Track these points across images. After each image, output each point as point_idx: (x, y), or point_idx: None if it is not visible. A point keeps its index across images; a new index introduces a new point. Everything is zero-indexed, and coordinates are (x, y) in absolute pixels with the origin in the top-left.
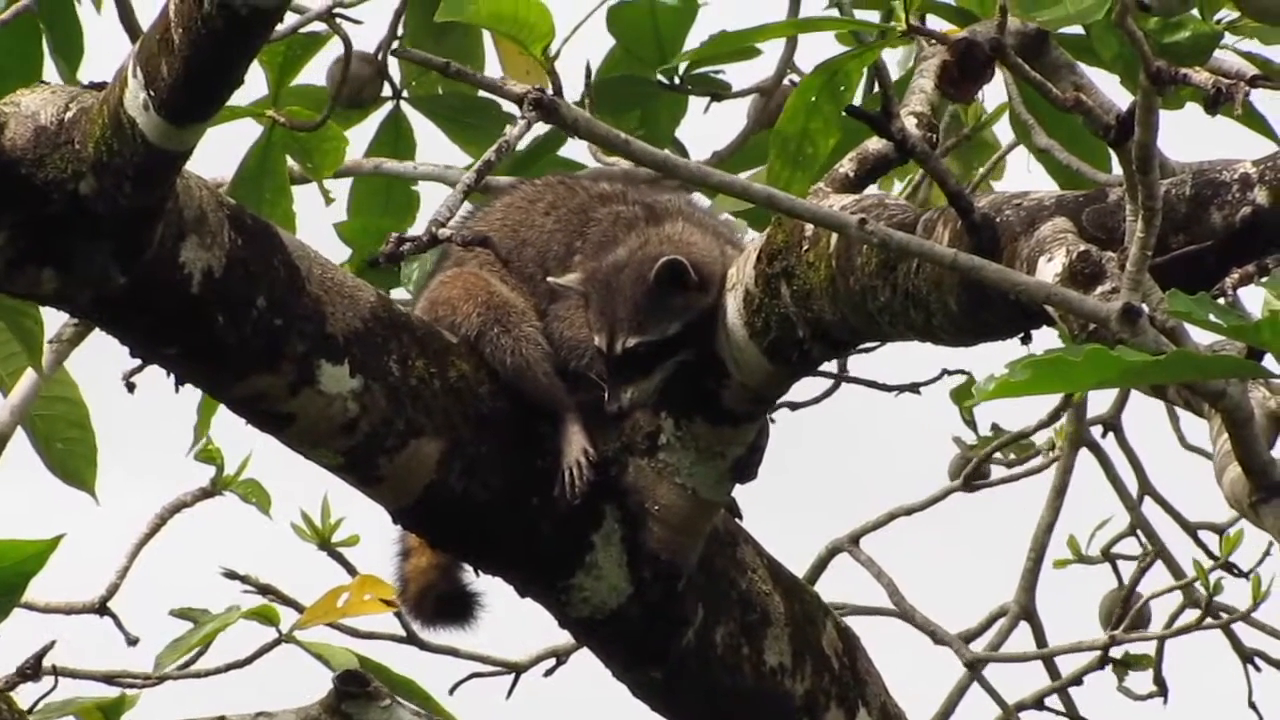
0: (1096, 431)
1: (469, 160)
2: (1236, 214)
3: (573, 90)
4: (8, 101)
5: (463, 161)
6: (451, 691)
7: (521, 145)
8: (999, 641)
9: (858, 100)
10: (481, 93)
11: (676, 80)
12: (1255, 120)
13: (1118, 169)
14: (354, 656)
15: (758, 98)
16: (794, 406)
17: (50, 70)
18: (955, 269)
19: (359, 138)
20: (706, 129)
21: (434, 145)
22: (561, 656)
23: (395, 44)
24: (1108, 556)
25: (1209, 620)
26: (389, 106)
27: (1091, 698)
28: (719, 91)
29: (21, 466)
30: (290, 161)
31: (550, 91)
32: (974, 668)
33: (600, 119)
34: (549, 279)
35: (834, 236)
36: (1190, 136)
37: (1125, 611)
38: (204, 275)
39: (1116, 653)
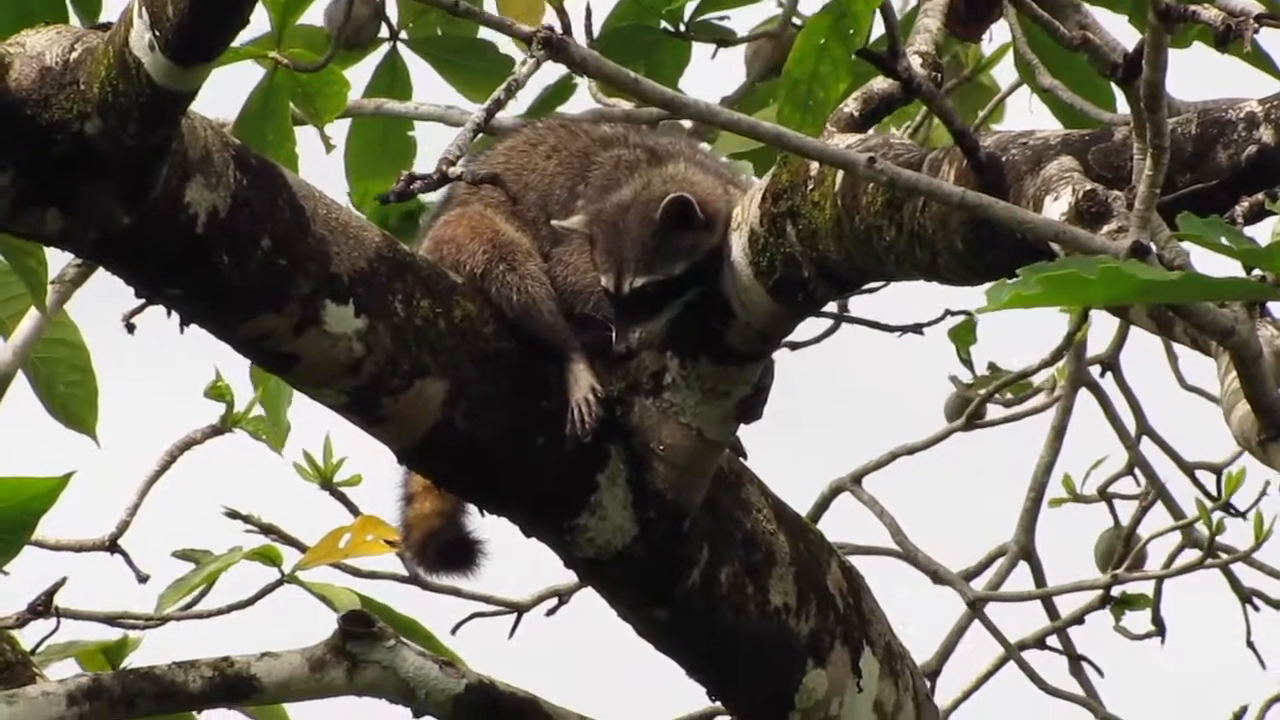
0: (1095, 371)
1: (464, 102)
2: (1242, 153)
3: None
4: (13, 42)
5: (458, 104)
6: (454, 631)
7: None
8: (998, 581)
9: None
10: (481, 34)
11: (681, 28)
12: (1261, 60)
13: (1122, 107)
14: (356, 597)
15: (761, 43)
16: (794, 346)
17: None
18: (963, 207)
19: (356, 79)
20: (711, 77)
21: (430, 88)
22: (564, 596)
23: None
24: (1104, 496)
25: (1209, 560)
26: (386, 48)
27: (1088, 637)
28: (724, 39)
29: (25, 406)
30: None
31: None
32: (976, 607)
33: None
34: (553, 221)
35: (839, 176)
36: (1194, 77)
37: (1127, 551)
38: (209, 215)
39: (1117, 592)
